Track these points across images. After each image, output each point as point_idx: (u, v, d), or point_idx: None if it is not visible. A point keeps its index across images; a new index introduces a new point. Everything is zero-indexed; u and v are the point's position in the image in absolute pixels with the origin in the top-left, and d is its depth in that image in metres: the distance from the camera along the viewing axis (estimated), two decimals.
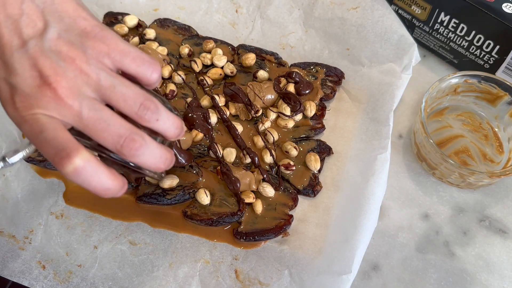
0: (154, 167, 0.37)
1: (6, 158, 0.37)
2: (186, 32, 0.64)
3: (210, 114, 0.56)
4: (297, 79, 0.58)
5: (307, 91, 0.58)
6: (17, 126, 0.34)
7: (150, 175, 0.41)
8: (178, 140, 0.52)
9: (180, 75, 0.59)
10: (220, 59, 0.60)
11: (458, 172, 0.49)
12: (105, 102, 0.35)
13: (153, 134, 0.38)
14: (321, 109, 0.57)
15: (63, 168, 0.32)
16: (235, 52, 0.62)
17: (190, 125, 0.55)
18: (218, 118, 0.57)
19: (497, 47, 0.55)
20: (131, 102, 0.35)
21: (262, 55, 0.61)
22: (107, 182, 0.34)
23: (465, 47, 0.59)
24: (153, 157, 0.36)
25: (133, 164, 0.38)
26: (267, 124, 0.56)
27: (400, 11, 0.63)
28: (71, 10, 0.35)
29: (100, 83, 0.34)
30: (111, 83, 0.34)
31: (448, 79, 0.54)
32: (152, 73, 0.37)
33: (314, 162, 0.53)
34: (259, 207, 0.50)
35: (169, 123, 0.37)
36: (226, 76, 0.60)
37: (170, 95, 0.58)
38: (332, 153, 0.55)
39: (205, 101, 0.57)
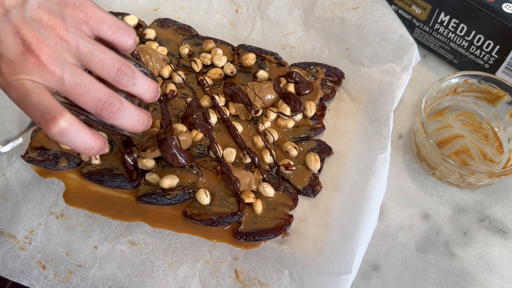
0: (132, 128, 0.40)
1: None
2: (186, 32, 0.64)
3: (210, 114, 0.56)
4: (297, 79, 0.58)
5: (307, 91, 0.58)
6: (3, 91, 0.36)
7: (129, 134, 0.44)
8: (178, 140, 0.52)
9: (180, 75, 0.59)
10: (220, 59, 0.60)
11: (458, 172, 0.49)
12: (84, 68, 0.38)
13: (131, 97, 0.41)
14: (321, 109, 0.57)
15: (49, 129, 0.35)
16: (235, 52, 0.62)
17: (190, 125, 0.55)
18: (218, 118, 0.57)
19: (497, 47, 0.55)
20: (108, 68, 0.38)
21: (262, 55, 0.61)
22: (90, 141, 0.37)
23: (465, 47, 0.59)
24: (130, 120, 0.40)
25: (112, 126, 0.40)
26: (267, 124, 0.56)
27: (400, 11, 0.63)
28: None
29: (80, 50, 0.37)
30: (89, 50, 0.37)
31: (448, 79, 0.54)
32: (127, 39, 0.40)
33: (314, 162, 0.53)
34: (259, 207, 0.50)
35: (145, 87, 0.40)
36: (226, 76, 0.60)
37: (170, 95, 0.58)
38: (332, 153, 0.55)
39: (205, 101, 0.57)
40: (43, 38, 0.35)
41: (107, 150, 0.39)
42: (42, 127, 0.35)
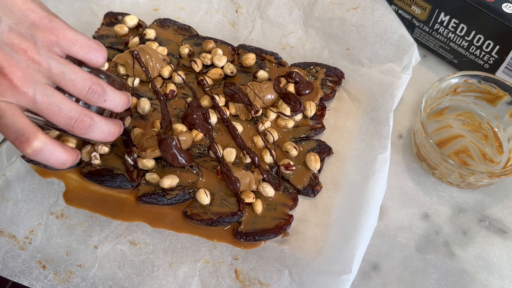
0: (103, 140, 0.44)
1: None
2: (186, 32, 0.64)
3: (210, 114, 0.56)
4: (297, 79, 0.58)
5: (307, 91, 0.58)
6: None
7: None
8: (178, 140, 0.52)
9: (180, 75, 0.59)
10: (220, 59, 0.60)
11: (458, 172, 0.49)
12: (56, 86, 0.40)
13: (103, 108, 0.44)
14: (321, 109, 0.57)
15: (24, 150, 0.37)
16: (235, 52, 0.62)
17: (190, 125, 0.55)
18: (218, 118, 0.57)
19: (497, 47, 0.55)
20: (80, 87, 0.40)
21: (262, 55, 0.61)
22: (63, 157, 0.40)
23: (465, 47, 0.59)
24: (101, 133, 0.42)
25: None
26: (267, 124, 0.56)
27: (400, 11, 0.63)
28: (20, 3, 0.38)
29: (51, 70, 0.38)
30: (61, 71, 0.39)
31: (448, 79, 0.54)
32: (98, 57, 0.42)
33: (314, 162, 0.53)
34: (259, 207, 0.50)
35: (116, 101, 0.43)
36: (226, 76, 0.60)
37: (170, 95, 0.58)
38: (332, 153, 0.55)
39: (205, 101, 0.57)
40: (15, 61, 0.37)
41: (77, 161, 0.42)
42: (17, 147, 0.37)
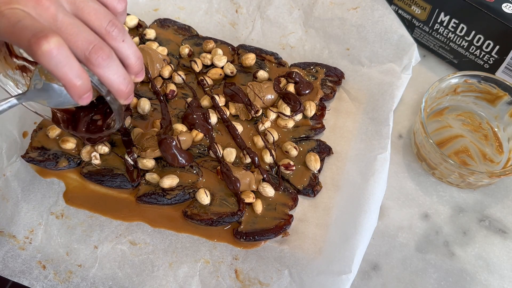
0: (116, 86, 0.39)
1: None
2: (186, 32, 0.64)
3: (210, 114, 0.56)
4: (297, 79, 0.58)
5: (307, 91, 0.58)
6: None
7: (111, 101, 0.41)
8: (178, 140, 0.52)
9: (180, 75, 0.59)
10: (220, 59, 0.60)
11: (458, 172, 0.49)
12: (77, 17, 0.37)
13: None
14: (321, 109, 0.58)
15: (40, 47, 0.33)
16: (235, 52, 0.62)
17: (190, 125, 0.55)
18: (218, 118, 0.57)
19: (497, 47, 0.55)
20: (101, 16, 0.38)
21: (262, 55, 0.61)
22: (77, 71, 0.36)
23: (465, 47, 0.59)
24: (117, 74, 0.39)
25: (96, 81, 0.38)
26: (267, 124, 0.56)
27: (400, 11, 0.63)
28: None
29: None
30: None
31: (448, 79, 0.54)
32: (117, 3, 0.40)
33: (314, 162, 0.53)
34: (259, 207, 0.50)
35: (132, 49, 0.40)
36: (226, 76, 0.60)
37: (170, 95, 0.58)
38: (332, 153, 0.55)
39: (205, 101, 0.57)
40: None
41: (90, 99, 0.38)
42: (32, 47, 0.34)
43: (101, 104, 0.46)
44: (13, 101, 0.40)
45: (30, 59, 0.45)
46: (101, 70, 0.37)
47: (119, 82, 0.39)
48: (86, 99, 0.38)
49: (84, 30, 0.37)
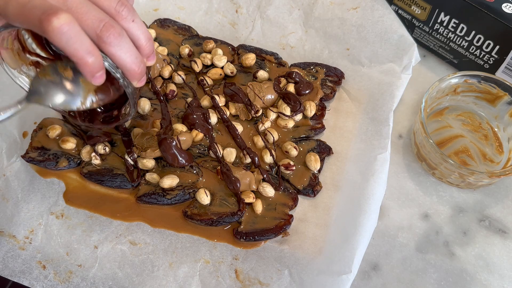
0: (129, 66, 0.38)
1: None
2: (186, 32, 0.64)
3: (210, 114, 0.56)
4: (297, 79, 0.58)
5: (307, 91, 0.58)
6: (3, 13, 0.35)
7: (124, 83, 0.40)
8: (178, 140, 0.52)
9: (180, 75, 0.59)
10: (220, 59, 0.60)
11: (458, 172, 0.49)
12: None
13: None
14: (321, 109, 0.58)
15: (50, 23, 0.33)
16: (235, 52, 0.62)
17: (190, 125, 0.55)
18: (218, 118, 0.57)
19: (497, 47, 0.55)
20: None
21: (262, 55, 0.61)
22: (89, 48, 0.35)
23: (465, 47, 0.59)
24: (129, 53, 0.38)
25: (110, 63, 0.38)
26: (267, 124, 0.56)
27: (400, 11, 0.63)
28: None
29: None
30: None
31: (448, 79, 0.54)
32: None
33: (314, 162, 0.53)
34: (259, 207, 0.50)
35: (142, 29, 0.39)
36: (226, 76, 0.60)
37: (170, 95, 0.58)
38: (332, 153, 0.55)
39: (205, 101, 0.57)
40: None
41: (103, 79, 0.37)
42: (42, 24, 0.33)
43: (114, 92, 0.45)
44: (14, 108, 0.39)
45: (43, 55, 0.45)
46: (112, 48, 0.37)
47: (131, 61, 0.38)
48: (99, 78, 0.37)
49: (94, 9, 0.36)
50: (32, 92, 0.40)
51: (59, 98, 0.41)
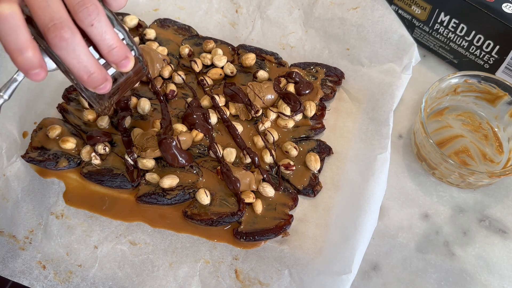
0: (76, 72, 0.36)
1: (1, 94, 0.38)
2: (186, 32, 0.64)
3: (210, 114, 0.56)
4: (297, 79, 0.58)
5: (307, 91, 0.58)
6: None
7: (86, 94, 0.39)
8: (178, 140, 0.52)
9: (180, 75, 0.59)
10: (220, 59, 0.60)
11: (458, 172, 0.49)
12: None
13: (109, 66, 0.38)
14: (321, 109, 0.57)
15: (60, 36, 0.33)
16: (235, 52, 0.62)
17: (190, 125, 0.55)
18: (218, 118, 0.57)
19: (497, 47, 0.55)
20: None
21: (262, 55, 0.61)
22: (22, 44, 0.34)
23: (465, 47, 0.59)
24: (77, 60, 0.35)
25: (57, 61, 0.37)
26: (267, 124, 0.56)
27: (400, 11, 0.63)
28: None
29: None
30: None
31: (448, 79, 0.54)
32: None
33: (314, 162, 0.53)
34: (259, 207, 0.50)
35: (103, 36, 0.36)
36: (226, 76, 0.60)
37: (170, 95, 0.58)
38: (332, 153, 0.55)
39: (205, 101, 0.57)
40: None
41: (41, 76, 0.35)
42: (48, 33, 0.33)
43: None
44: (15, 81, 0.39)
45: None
46: (58, 51, 0.35)
47: (78, 68, 0.36)
48: (34, 76, 0.35)
49: (55, 5, 0.34)
50: None
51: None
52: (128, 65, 0.39)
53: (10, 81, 0.38)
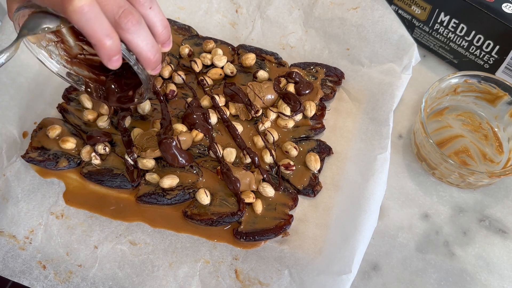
0: (145, 53, 0.39)
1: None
2: (186, 32, 0.64)
3: (210, 114, 0.56)
4: (297, 79, 0.58)
5: (307, 91, 0.58)
6: None
7: (138, 71, 0.41)
8: (178, 140, 0.52)
9: (180, 75, 0.59)
10: (220, 59, 0.60)
11: (458, 172, 0.49)
12: None
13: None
14: (321, 109, 0.57)
15: (71, 3, 0.34)
16: (235, 52, 0.62)
17: (190, 125, 0.55)
18: (218, 118, 0.57)
19: (497, 47, 0.55)
20: None
21: (262, 55, 0.61)
22: (107, 30, 0.36)
23: (465, 47, 0.59)
24: (146, 41, 0.38)
25: (124, 49, 0.38)
26: (267, 124, 0.56)
27: (400, 11, 0.63)
28: None
29: None
30: None
31: (448, 79, 0.54)
32: None
33: (314, 162, 0.53)
34: (259, 207, 0.50)
35: (159, 17, 0.39)
36: (226, 76, 0.60)
37: (170, 95, 0.58)
38: (332, 153, 0.55)
39: (205, 101, 0.57)
40: None
41: (119, 63, 0.38)
42: (63, 3, 0.34)
43: (130, 74, 0.46)
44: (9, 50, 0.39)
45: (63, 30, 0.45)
46: (130, 35, 0.37)
47: (147, 49, 0.39)
48: (115, 62, 0.38)
49: None
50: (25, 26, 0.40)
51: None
52: (170, 45, 0.43)
53: (6, 50, 0.39)
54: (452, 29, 0.58)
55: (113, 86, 0.47)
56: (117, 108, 0.56)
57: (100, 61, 0.39)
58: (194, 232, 0.50)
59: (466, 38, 0.58)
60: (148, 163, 0.53)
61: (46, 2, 0.35)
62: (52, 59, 0.46)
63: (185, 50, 0.61)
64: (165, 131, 0.53)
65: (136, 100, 0.47)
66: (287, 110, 0.55)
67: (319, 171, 0.53)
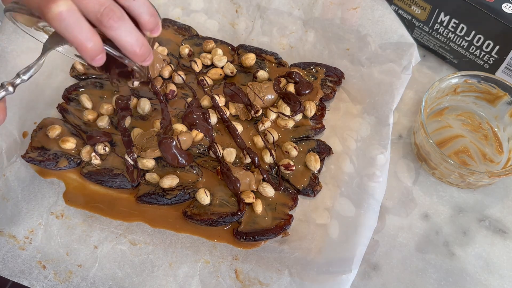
0: (130, 47, 0.39)
1: (21, 75, 0.40)
2: (186, 32, 0.64)
3: (210, 114, 0.56)
4: (297, 79, 0.58)
5: (307, 91, 0.58)
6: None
7: (131, 64, 0.42)
8: (178, 140, 0.52)
9: (180, 75, 0.59)
10: (220, 59, 0.60)
11: (458, 172, 0.49)
12: None
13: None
14: (321, 109, 0.58)
15: (49, 9, 0.34)
16: (235, 52, 0.62)
17: (190, 125, 0.55)
18: (218, 118, 0.57)
19: (497, 47, 0.55)
20: None
21: (262, 55, 0.61)
22: (88, 33, 0.36)
23: (465, 47, 0.59)
24: (129, 36, 0.39)
25: (108, 46, 0.39)
26: (267, 124, 0.56)
27: (400, 11, 0.63)
28: None
29: None
30: None
31: (448, 79, 0.54)
32: None
33: (314, 162, 0.53)
34: (259, 207, 0.50)
35: (144, 7, 0.40)
36: (226, 76, 0.60)
37: (170, 95, 0.58)
38: (332, 153, 0.55)
39: (205, 101, 0.57)
40: None
41: (103, 61, 0.38)
42: (42, 10, 0.34)
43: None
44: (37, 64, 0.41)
45: None
46: (113, 32, 0.38)
47: (132, 43, 0.39)
48: (98, 61, 0.38)
49: None
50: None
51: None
52: (159, 30, 0.43)
53: (32, 67, 0.40)
54: (452, 29, 0.58)
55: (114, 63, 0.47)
56: (117, 82, 0.55)
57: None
58: (194, 232, 0.50)
59: (466, 38, 0.58)
60: (148, 163, 0.53)
61: (28, 5, 0.36)
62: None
63: (185, 50, 0.61)
64: (165, 131, 0.53)
65: (133, 78, 0.48)
66: (287, 110, 0.56)
67: (319, 171, 0.53)
